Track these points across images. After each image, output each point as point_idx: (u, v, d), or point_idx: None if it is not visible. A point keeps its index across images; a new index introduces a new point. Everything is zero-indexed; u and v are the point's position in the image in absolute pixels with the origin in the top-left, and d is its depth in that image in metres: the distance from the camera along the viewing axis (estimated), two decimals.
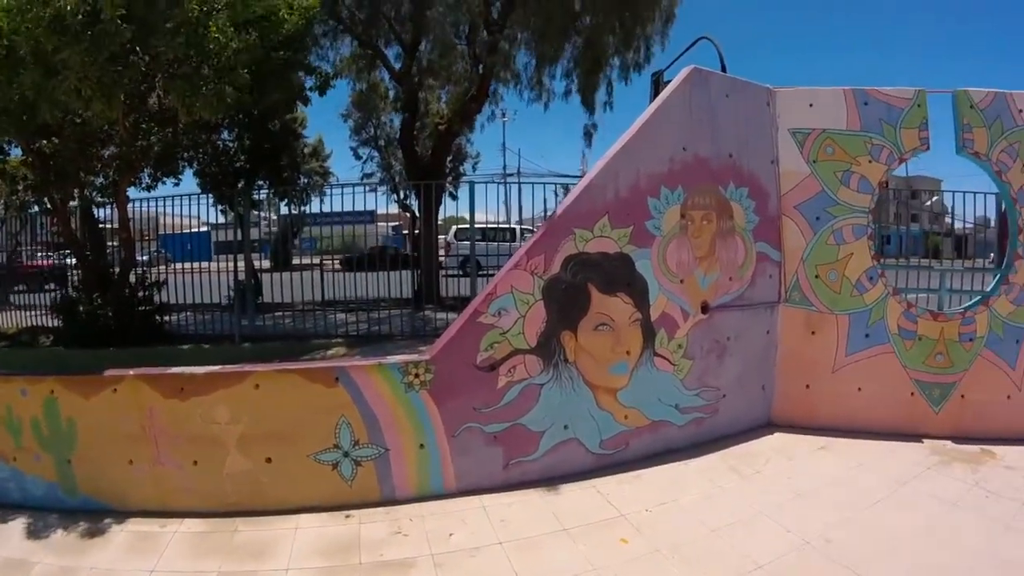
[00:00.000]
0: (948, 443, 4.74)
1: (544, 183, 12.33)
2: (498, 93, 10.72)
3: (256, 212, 10.32)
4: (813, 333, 4.87)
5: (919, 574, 3.02)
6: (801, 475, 4.09)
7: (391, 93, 11.43)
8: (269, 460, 3.55)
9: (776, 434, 4.80)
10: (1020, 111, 4.92)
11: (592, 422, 4.01)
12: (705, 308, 4.41)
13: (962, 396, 4.87)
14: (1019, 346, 4.90)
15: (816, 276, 4.84)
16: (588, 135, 10.47)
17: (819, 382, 4.89)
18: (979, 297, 5.12)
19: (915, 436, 4.79)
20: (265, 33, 5.52)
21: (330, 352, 6.35)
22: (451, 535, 3.28)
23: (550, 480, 3.83)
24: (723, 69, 5.06)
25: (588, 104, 10.01)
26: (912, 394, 4.87)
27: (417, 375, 3.63)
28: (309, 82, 7.43)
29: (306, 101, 7.71)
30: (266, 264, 11.73)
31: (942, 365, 4.87)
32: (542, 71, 9.79)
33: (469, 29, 9.24)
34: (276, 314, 8.14)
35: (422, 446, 3.68)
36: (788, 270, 4.88)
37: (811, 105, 4.88)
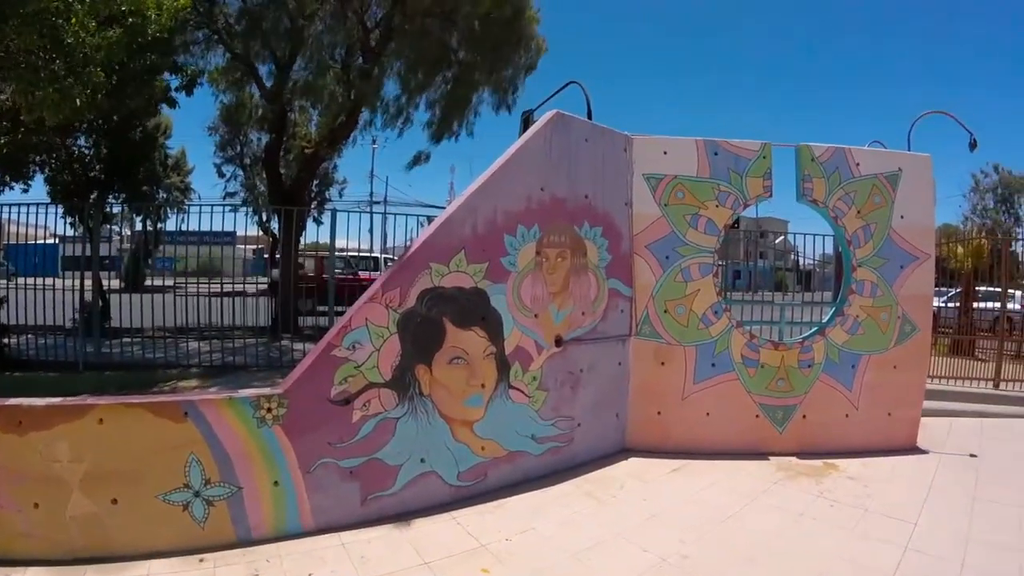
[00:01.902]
0: (793, 459, 5.42)
1: (407, 214, 12.20)
2: (369, 121, 10.93)
3: (108, 226, 9.72)
4: (663, 363, 5.40)
5: None
6: (656, 497, 4.45)
7: (260, 111, 11.27)
8: (115, 501, 3.37)
9: (631, 459, 5.22)
10: (857, 164, 5.80)
11: (449, 454, 4.16)
12: (559, 341, 4.73)
13: (804, 416, 5.63)
14: (855, 370, 5.75)
15: (665, 311, 5.39)
16: (452, 168, 11.21)
17: (670, 409, 5.43)
18: (816, 328, 5.92)
19: (762, 454, 5.45)
20: (130, 32, 5.30)
21: (181, 384, 6.12)
22: (310, 575, 3.28)
23: (409, 514, 3.93)
24: (589, 113, 5.50)
25: (450, 135, 10.60)
26: (757, 416, 5.54)
27: (269, 409, 3.60)
28: (175, 82, 7.17)
29: (172, 103, 7.47)
30: (116, 284, 10.98)
31: (784, 390, 5.60)
32: (412, 101, 10.18)
33: (346, 53, 9.36)
34: (125, 340, 7.68)
35: (276, 483, 3.64)
36: (639, 305, 5.39)
37: (665, 153, 5.48)
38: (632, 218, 5.40)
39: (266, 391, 3.73)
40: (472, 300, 4.22)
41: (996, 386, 8.70)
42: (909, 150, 6.19)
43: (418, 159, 11.53)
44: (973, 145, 6.68)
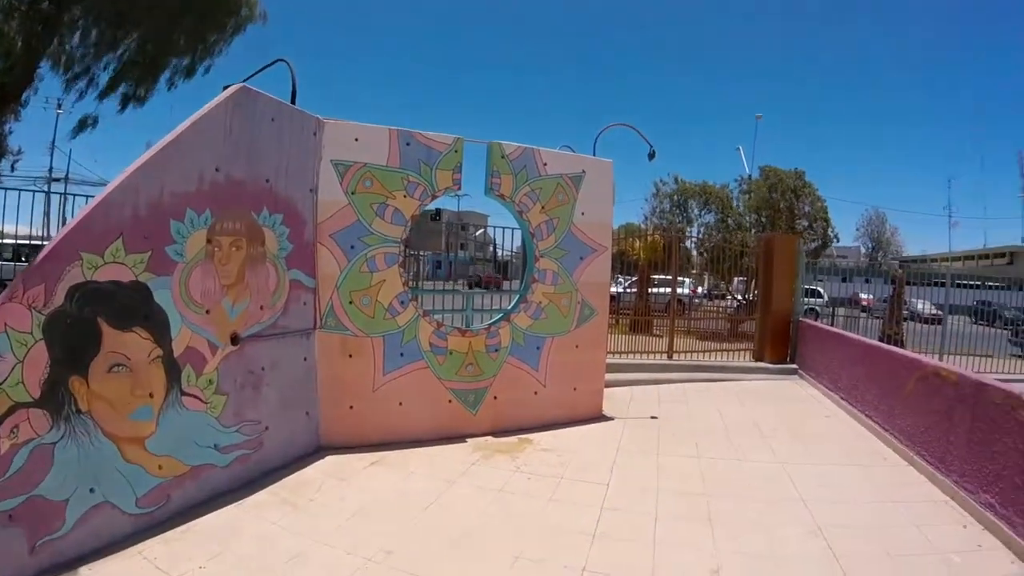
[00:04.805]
0: (490, 438, 6.94)
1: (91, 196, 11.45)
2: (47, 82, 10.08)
3: None
4: (351, 356, 6.33)
5: (475, 558, 4.21)
6: (356, 494, 5.23)
7: None
8: None
9: (328, 457, 6.05)
10: (544, 164, 7.49)
11: (122, 479, 4.20)
12: (235, 339, 5.16)
13: (495, 397, 7.19)
14: (540, 351, 7.53)
15: (350, 302, 6.31)
16: (148, 145, 10.74)
17: (362, 401, 6.40)
18: (502, 314, 7.40)
19: (460, 437, 6.85)
20: None
21: None
22: None
23: (89, 555, 3.93)
24: (293, 94, 5.96)
25: (138, 102, 10.45)
26: (450, 401, 6.91)
27: None
28: None
29: None
30: None
31: (473, 374, 7.06)
32: (99, 59, 9.56)
33: None
34: None
35: None
36: (323, 297, 6.19)
37: (357, 140, 6.34)
38: (317, 205, 6.12)
39: None
40: (132, 296, 4.25)
41: (670, 357, 12.31)
42: (595, 155, 7.99)
43: (84, 124, 10.80)
44: (652, 155, 8.85)
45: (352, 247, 6.29)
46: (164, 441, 4.51)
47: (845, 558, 4.36)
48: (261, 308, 5.45)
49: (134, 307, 4.30)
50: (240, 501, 4.93)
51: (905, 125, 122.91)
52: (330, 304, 6.21)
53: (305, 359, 6.05)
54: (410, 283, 7.42)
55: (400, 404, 6.59)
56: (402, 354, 6.61)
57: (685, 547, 4.51)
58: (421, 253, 10.26)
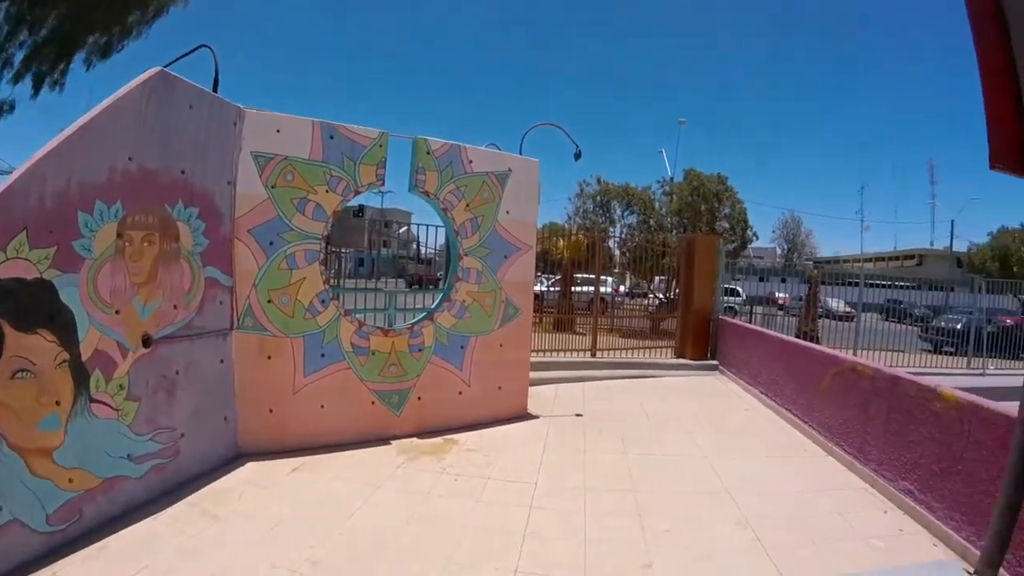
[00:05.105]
0: (415, 440, 6.95)
1: None
2: None
3: None
4: (270, 357, 6.22)
5: (404, 564, 4.19)
6: (279, 502, 5.14)
7: None
8: None
9: (248, 464, 5.93)
10: (470, 161, 7.53)
11: (30, 494, 4.00)
12: (148, 341, 4.99)
13: (419, 398, 7.19)
14: (464, 351, 7.58)
15: (269, 301, 6.20)
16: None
17: (282, 405, 6.30)
18: (425, 313, 7.37)
19: (384, 439, 6.83)
20: None
21: None
22: None
23: None
24: (215, 82, 5.81)
25: (54, 85, 10.06)
26: (373, 403, 6.86)
27: None
28: None
29: None
30: None
31: (397, 374, 7.03)
32: (15, 39, 9.10)
33: None
34: None
35: None
36: (240, 295, 6.07)
37: (278, 131, 6.22)
38: (235, 199, 5.99)
39: None
40: (36, 295, 4.05)
41: (593, 355, 12.47)
42: (521, 154, 8.07)
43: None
44: (578, 155, 9.01)
45: (271, 243, 6.18)
46: (74, 452, 4.30)
47: (773, 547, 4.61)
48: (175, 308, 5.30)
49: (39, 307, 4.08)
50: (158, 514, 4.78)
51: (821, 134, 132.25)
52: (247, 303, 6.09)
53: (222, 361, 5.91)
54: (331, 281, 7.34)
55: (322, 407, 6.52)
56: (323, 355, 6.54)
57: (616, 543, 4.65)
58: (343, 250, 10.13)
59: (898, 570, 2.57)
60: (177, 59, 5.61)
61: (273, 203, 6.17)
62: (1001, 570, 3.70)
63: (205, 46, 5.76)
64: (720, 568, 4.33)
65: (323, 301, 6.52)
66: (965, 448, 4.78)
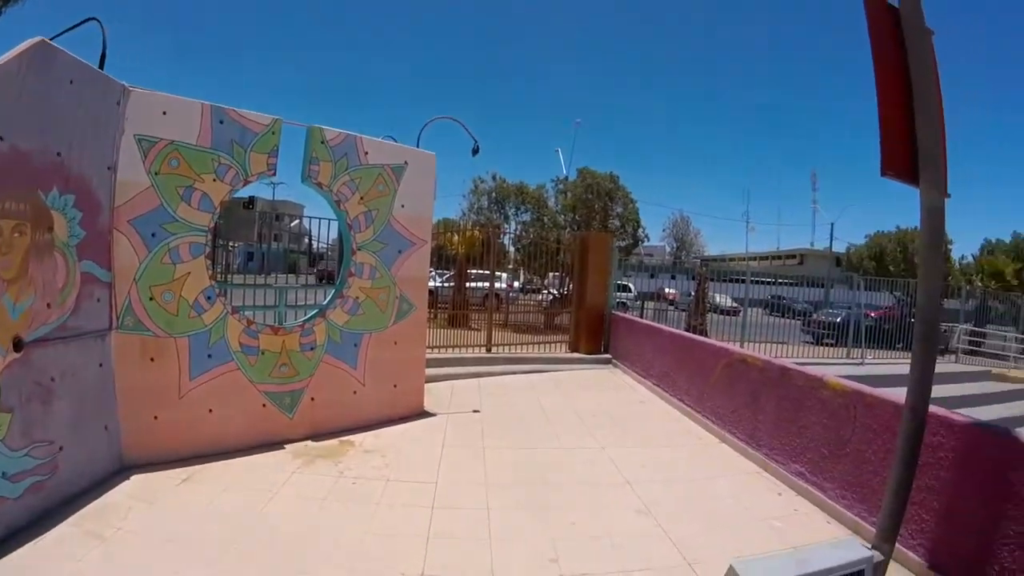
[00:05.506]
0: (309, 443, 6.82)
1: None
2: None
3: None
4: (153, 360, 5.94)
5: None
6: (170, 518, 4.87)
7: None
8: None
9: (134, 477, 5.59)
10: (366, 153, 7.46)
11: None
12: (19, 344, 4.53)
13: (312, 399, 7.06)
14: (358, 349, 7.50)
15: (151, 298, 5.92)
16: None
17: (168, 411, 6.02)
18: (317, 310, 7.26)
19: (277, 444, 6.66)
20: None
21: None
22: None
23: None
24: (102, 58, 5.48)
25: None
26: (265, 405, 6.69)
27: None
28: None
29: None
30: None
31: (288, 375, 6.89)
32: None
33: None
34: None
35: None
36: (120, 292, 5.74)
37: (165, 113, 5.93)
38: (116, 186, 5.65)
39: None
40: None
41: (489, 351, 12.60)
42: (418, 147, 8.06)
43: None
44: (476, 150, 9.10)
45: (153, 235, 5.88)
46: None
47: (675, 533, 4.90)
48: (48, 306, 4.89)
49: None
50: (37, 540, 4.36)
51: (709, 140, 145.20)
52: (128, 300, 5.77)
53: (101, 365, 5.55)
54: (218, 276, 7.10)
55: (210, 411, 6.29)
56: (210, 356, 6.32)
57: (521, 538, 4.79)
58: (231, 244, 9.80)
59: (801, 550, 2.78)
60: (63, 32, 5.33)
61: (156, 191, 5.88)
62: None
63: (93, 19, 5.49)
64: (625, 556, 4.55)
65: (209, 298, 6.29)
66: (852, 432, 5.23)
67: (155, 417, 5.94)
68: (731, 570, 2.36)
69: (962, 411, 5.25)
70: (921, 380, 3.79)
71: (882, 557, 3.49)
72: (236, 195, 6.79)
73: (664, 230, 57.95)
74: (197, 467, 5.90)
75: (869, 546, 3.54)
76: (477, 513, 5.18)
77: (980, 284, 28.15)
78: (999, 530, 3.90)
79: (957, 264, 38.28)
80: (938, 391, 3.88)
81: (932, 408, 4.03)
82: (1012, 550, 3.82)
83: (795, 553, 2.64)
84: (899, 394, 4.48)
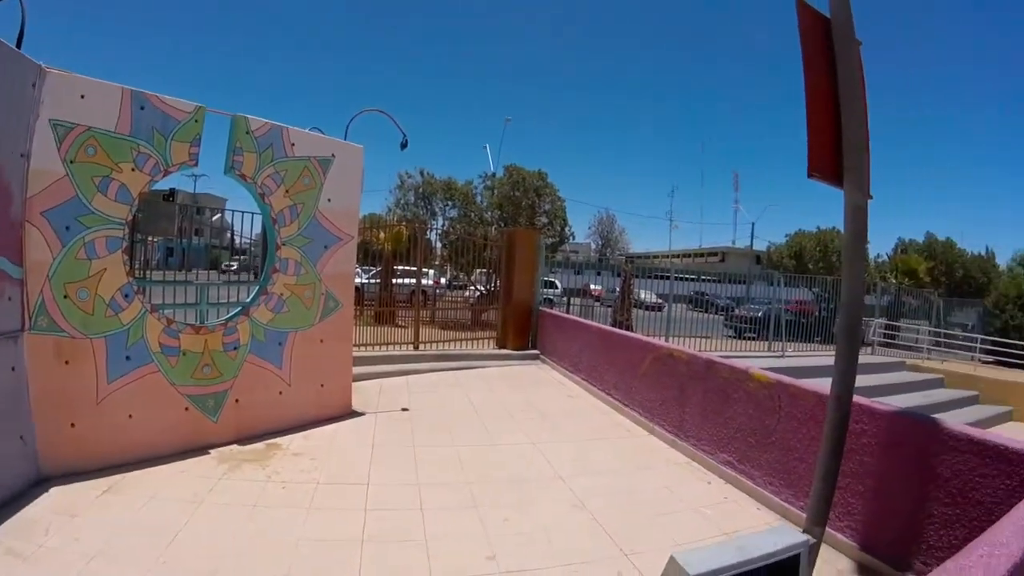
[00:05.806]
0: (235, 447, 6.59)
1: None
2: None
3: None
4: (67, 363, 5.60)
5: None
6: (92, 532, 4.54)
7: None
8: None
9: (53, 489, 5.23)
10: (292, 144, 7.28)
11: None
12: None
13: (237, 401, 6.83)
14: (282, 348, 7.31)
15: (65, 296, 5.59)
16: None
17: (85, 418, 5.68)
18: (240, 308, 7.06)
19: (202, 449, 6.41)
20: None
21: None
22: None
23: None
24: (20, 36, 5.20)
25: None
26: (187, 409, 6.44)
27: None
28: None
29: None
30: None
31: (211, 376, 6.66)
32: None
33: None
34: None
35: None
36: (32, 290, 5.38)
37: (83, 97, 5.59)
38: (28, 175, 5.29)
39: None
40: None
41: (416, 348, 12.62)
42: (346, 139, 7.92)
43: None
44: (404, 144, 8.99)
45: (68, 228, 5.55)
46: None
47: (611, 525, 5.00)
48: None
49: None
50: None
51: (636, 141, 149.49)
52: (40, 299, 5.43)
53: (13, 369, 5.19)
54: (136, 273, 6.81)
55: (130, 416, 6.00)
56: (128, 357, 6.02)
57: (457, 538, 4.77)
58: (150, 238, 9.42)
59: (739, 538, 2.86)
60: None
61: (72, 181, 5.55)
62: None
63: None
64: (561, 550, 4.60)
65: (127, 296, 6.00)
66: (777, 421, 5.43)
67: (72, 424, 5.60)
68: (672, 561, 2.39)
69: (882, 399, 5.49)
70: (845, 371, 3.98)
71: (815, 540, 3.62)
72: (156, 187, 6.49)
73: (590, 227, 58.96)
74: (119, 476, 5.60)
75: (801, 530, 3.67)
76: (411, 514, 5.13)
77: (895, 281, 29.45)
78: (924, 511, 4.15)
79: (873, 262, 40.05)
80: (857, 380, 4.07)
81: (855, 397, 4.23)
82: (937, 528, 4.08)
83: (733, 541, 2.70)
84: (821, 384, 4.68)
